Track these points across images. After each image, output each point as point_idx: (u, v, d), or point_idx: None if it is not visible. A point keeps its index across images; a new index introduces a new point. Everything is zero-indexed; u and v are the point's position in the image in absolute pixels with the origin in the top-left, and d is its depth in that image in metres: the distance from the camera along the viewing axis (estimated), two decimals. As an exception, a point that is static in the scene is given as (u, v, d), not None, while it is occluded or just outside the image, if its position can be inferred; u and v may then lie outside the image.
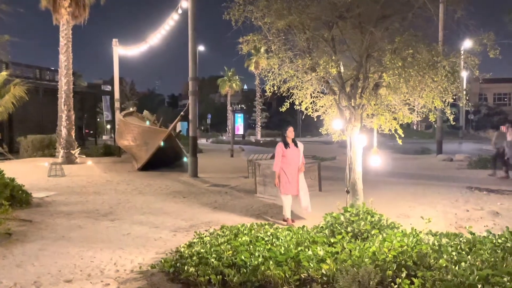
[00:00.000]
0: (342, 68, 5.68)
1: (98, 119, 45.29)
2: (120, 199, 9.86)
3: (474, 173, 13.91)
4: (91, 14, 18.87)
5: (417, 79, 4.92)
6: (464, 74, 17.78)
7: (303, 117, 6.72)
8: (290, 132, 7.06)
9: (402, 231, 5.10)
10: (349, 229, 5.00)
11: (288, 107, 6.33)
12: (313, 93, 6.33)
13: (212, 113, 58.42)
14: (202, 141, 40.00)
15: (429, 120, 5.60)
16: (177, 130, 19.23)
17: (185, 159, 15.43)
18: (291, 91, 6.17)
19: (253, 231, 5.39)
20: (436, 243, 4.47)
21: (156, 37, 19.57)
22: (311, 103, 6.39)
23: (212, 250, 4.58)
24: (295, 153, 7.02)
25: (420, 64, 4.83)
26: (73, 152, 18.08)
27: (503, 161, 12.58)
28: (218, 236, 5.29)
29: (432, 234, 5.07)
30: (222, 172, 15.40)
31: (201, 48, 36.39)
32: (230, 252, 4.53)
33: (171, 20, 17.67)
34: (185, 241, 5.78)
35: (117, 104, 22.95)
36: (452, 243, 4.51)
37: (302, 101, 6.32)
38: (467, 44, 5.74)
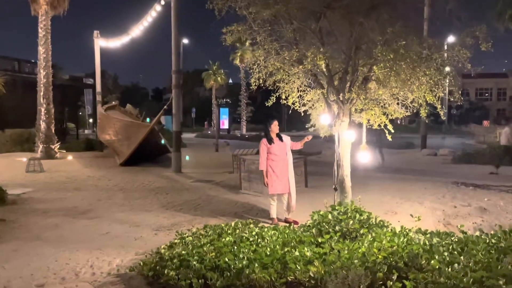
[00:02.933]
0: (330, 61, 5.44)
1: (80, 113, 44.44)
2: (101, 196, 9.56)
3: (459, 168, 13.91)
4: (73, 5, 18.31)
5: (408, 72, 4.73)
6: (447, 68, 17.81)
7: (290, 111, 6.47)
8: (274, 126, 6.71)
9: (391, 229, 4.93)
10: (337, 228, 4.81)
11: (274, 101, 6.09)
12: (300, 87, 6.09)
13: (196, 107, 57.82)
14: (188, 135, 39.62)
15: (420, 115, 5.44)
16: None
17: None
18: (277, 84, 5.92)
19: (237, 231, 5.16)
20: (427, 243, 4.31)
21: (139, 29, 19.07)
22: (298, 97, 6.15)
23: (194, 251, 4.34)
24: (281, 148, 6.70)
25: (411, 57, 4.64)
26: (52, 146, 17.58)
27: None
28: (200, 236, 5.05)
29: (422, 233, 4.92)
30: (207, 167, 15.15)
31: (185, 41, 35.88)
32: (213, 253, 4.30)
33: (154, 12, 17.22)
34: (166, 241, 5.55)
35: (99, 98, 22.38)
36: (444, 243, 4.35)
37: (288, 95, 6.07)
38: (456, 37, 5.54)
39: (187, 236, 5.09)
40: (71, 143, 22.55)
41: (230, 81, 64.46)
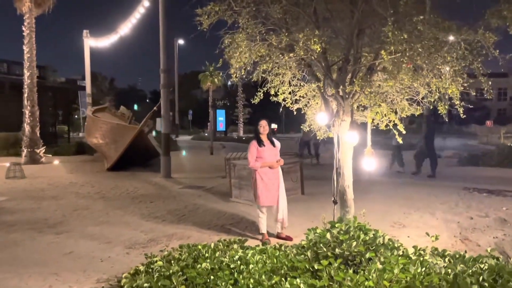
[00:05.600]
0: (327, 46, 4.52)
1: (75, 116, 43.57)
2: (78, 205, 8.70)
3: (467, 171, 13.05)
4: (67, 6, 17.53)
5: (424, 58, 3.87)
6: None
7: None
8: (262, 127, 5.78)
9: (403, 252, 4.07)
10: (337, 251, 3.93)
11: (261, 98, 5.16)
12: (292, 80, 5.20)
13: (194, 109, 56.88)
14: (185, 138, 38.83)
15: (439, 113, 4.59)
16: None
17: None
18: (263, 75, 4.99)
19: (217, 253, 4.29)
20: (450, 272, 3.45)
21: (127, 27, 18.24)
22: (289, 93, 5.24)
23: (159, 284, 3.48)
24: (272, 153, 5.77)
25: (430, 38, 3.77)
26: (37, 151, 16.71)
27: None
28: (172, 261, 4.18)
29: (440, 255, 4.06)
30: (199, 171, 14.31)
31: (181, 41, 35.14)
32: (183, 287, 3.44)
33: (142, 8, 16.38)
34: (138, 262, 4.71)
35: (88, 99, 21.55)
36: (470, 272, 3.49)
37: (278, 90, 5.17)
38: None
39: (157, 260, 4.22)
40: (60, 147, 21.70)
41: (229, 83, 63.61)
